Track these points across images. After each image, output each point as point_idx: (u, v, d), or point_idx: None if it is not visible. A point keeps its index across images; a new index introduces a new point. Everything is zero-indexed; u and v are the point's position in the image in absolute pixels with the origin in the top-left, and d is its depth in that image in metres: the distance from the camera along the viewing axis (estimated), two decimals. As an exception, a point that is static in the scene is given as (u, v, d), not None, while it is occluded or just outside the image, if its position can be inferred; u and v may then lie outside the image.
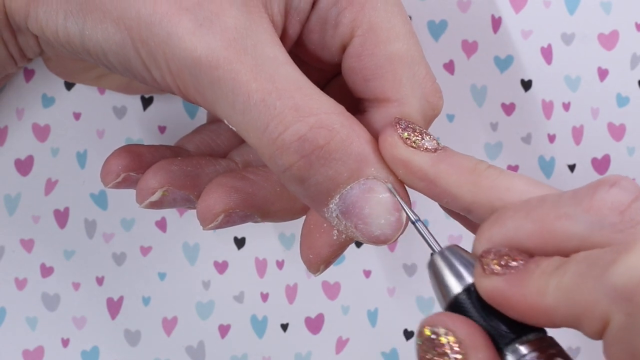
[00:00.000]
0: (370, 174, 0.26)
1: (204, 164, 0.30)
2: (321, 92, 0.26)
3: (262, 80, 0.25)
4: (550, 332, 0.38)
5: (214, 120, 0.33)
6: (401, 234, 0.26)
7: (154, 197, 0.29)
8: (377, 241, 0.26)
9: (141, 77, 0.27)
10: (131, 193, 0.35)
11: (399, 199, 0.25)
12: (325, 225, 0.28)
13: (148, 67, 0.26)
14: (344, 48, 0.29)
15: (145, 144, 0.36)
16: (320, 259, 0.28)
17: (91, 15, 0.26)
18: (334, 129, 0.25)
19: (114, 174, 0.30)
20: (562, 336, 0.37)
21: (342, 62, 0.29)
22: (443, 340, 0.23)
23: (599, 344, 0.38)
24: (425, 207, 0.36)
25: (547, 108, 0.37)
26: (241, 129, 0.25)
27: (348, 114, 0.26)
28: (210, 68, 0.25)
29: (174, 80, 0.26)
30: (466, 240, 0.36)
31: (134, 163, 0.30)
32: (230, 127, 0.26)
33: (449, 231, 0.37)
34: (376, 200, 0.25)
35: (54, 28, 0.27)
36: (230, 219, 0.28)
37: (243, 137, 0.26)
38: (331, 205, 0.26)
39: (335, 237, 0.28)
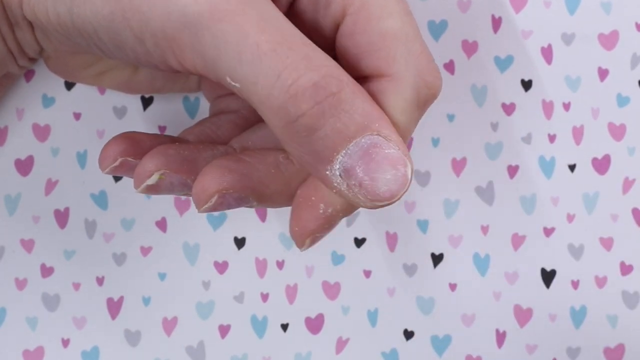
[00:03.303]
0: (375, 129, 0.25)
1: (202, 149, 0.30)
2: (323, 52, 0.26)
3: (271, 32, 0.25)
4: (546, 329, 0.36)
5: (215, 113, 0.33)
6: (405, 191, 0.25)
7: (151, 181, 0.29)
8: (381, 199, 0.25)
9: (132, 52, 0.27)
10: (131, 192, 0.35)
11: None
12: (313, 198, 0.28)
13: (140, 37, 0.26)
14: (336, 28, 0.28)
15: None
16: (305, 232, 0.28)
17: None
18: (343, 80, 0.25)
19: (111, 158, 0.30)
20: (562, 336, 0.37)
21: (335, 43, 0.29)
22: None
23: (599, 344, 0.37)
24: (426, 207, 0.37)
25: (548, 108, 0.37)
26: (248, 81, 0.25)
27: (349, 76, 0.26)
28: (213, 21, 0.25)
29: (169, 46, 0.26)
30: (466, 240, 0.36)
31: (132, 148, 0.30)
32: (233, 84, 0.25)
33: (449, 231, 0.37)
34: (382, 155, 0.25)
35: (45, 10, 0.27)
36: (224, 201, 0.28)
37: (247, 92, 0.25)
38: (336, 163, 0.25)
39: (321, 211, 0.28)
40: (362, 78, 0.28)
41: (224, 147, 0.31)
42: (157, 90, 0.35)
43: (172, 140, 0.31)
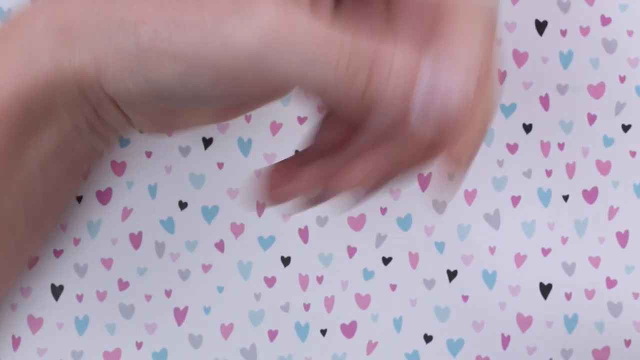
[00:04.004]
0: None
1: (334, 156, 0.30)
2: None
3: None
4: (544, 334, 0.37)
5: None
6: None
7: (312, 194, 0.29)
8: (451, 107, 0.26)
9: (206, 96, 0.28)
10: (195, 219, 0.36)
11: None
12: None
13: (214, 83, 0.27)
14: None
15: (206, 178, 0.37)
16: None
17: (149, 62, 0.27)
18: (384, 50, 0.27)
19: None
20: (557, 339, 0.37)
21: None
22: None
23: (588, 346, 0.37)
24: (442, 231, 0.38)
25: (545, 147, 0.38)
26: (315, 83, 0.26)
27: None
28: (272, 53, 0.25)
29: (238, 81, 0.26)
30: (477, 259, 0.38)
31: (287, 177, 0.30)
32: (306, 89, 0.26)
33: (462, 252, 0.38)
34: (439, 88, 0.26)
35: (124, 85, 0.28)
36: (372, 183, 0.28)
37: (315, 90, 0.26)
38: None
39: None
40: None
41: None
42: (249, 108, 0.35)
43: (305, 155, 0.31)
